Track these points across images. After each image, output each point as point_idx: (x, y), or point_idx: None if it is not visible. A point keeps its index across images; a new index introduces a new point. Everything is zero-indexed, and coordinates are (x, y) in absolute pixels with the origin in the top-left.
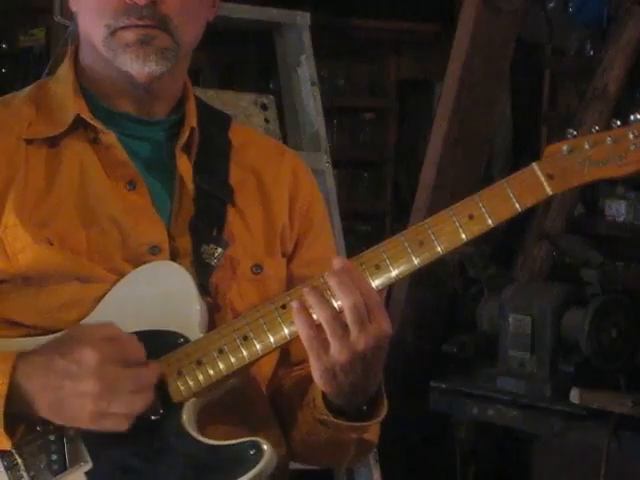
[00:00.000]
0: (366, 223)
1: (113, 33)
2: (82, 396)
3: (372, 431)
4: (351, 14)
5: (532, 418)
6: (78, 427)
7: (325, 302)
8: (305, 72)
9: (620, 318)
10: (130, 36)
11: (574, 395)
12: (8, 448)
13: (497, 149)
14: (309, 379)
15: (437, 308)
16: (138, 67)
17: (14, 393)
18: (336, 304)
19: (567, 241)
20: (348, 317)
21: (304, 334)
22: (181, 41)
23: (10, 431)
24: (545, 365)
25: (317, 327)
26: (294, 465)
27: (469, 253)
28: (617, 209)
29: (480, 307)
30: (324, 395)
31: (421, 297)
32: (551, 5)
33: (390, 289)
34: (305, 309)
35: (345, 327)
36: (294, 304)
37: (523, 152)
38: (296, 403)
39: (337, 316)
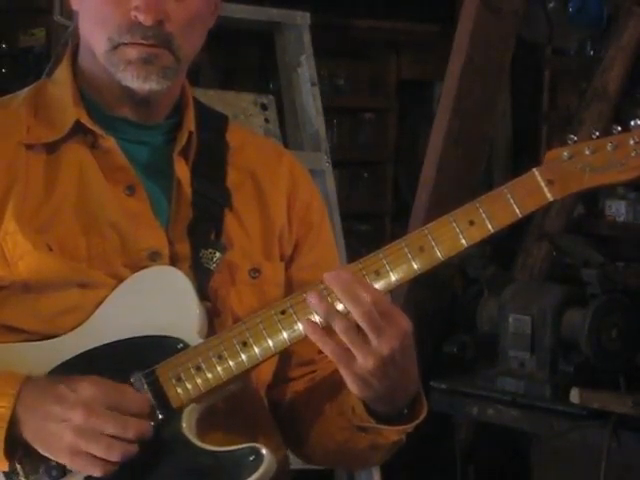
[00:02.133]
0: (366, 223)
1: (115, 48)
2: (65, 424)
3: None
4: (351, 14)
5: (532, 418)
6: (54, 457)
7: (335, 313)
8: (305, 72)
9: (620, 318)
10: (133, 54)
11: (574, 395)
12: (5, 470)
13: (497, 149)
14: (328, 384)
15: (437, 308)
16: (139, 84)
17: (15, 417)
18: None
19: (567, 241)
20: (363, 326)
21: (328, 350)
22: (183, 58)
23: (9, 455)
24: (545, 365)
25: (338, 340)
26: (294, 465)
27: (469, 253)
28: (617, 209)
29: (480, 307)
30: (366, 404)
31: (421, 297)
32: (551, 5)
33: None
34: (317, 325)
35: (363, 335)
36: (308, 328)
37: (523, 152)
38: (326, 412)
39: (352, 326)
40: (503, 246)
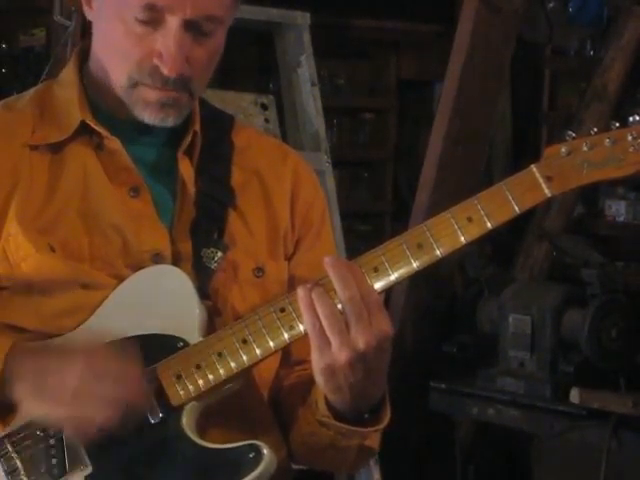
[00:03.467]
0: (366, 223)
1: (134, 86)
2: (66, 373)
3: (373, 438)
4: (351, 14)
5: (532, 418)
6: (56, 412)
7: (326, 297)
8: (305, 72)
9: (620, 318)
10: (152, 96)
11: (574, 395)
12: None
13: (497, 149)
14: (311, 380)
15: (437, 308)
16: (156, 123)
17: (5, 379)
18: (338, 303)
19: (567, 241)
20: (346, 309)
21: (309, 323)
22: (197, 94)
23: (1, 418)
24: (545, 365)
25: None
26: (295, 465)
27: (469, 253)
28: (617, 209)
29: (480, 307)
30: (327, 398)
31: (421, 297)
32: (551, 5)
33: (389, 289)
34: (310, 299)
35: (344, 322)
36: (300, 292)
37: (523, 152)
38: (298, 403)
39: (336, 312)
40: (503, 246)
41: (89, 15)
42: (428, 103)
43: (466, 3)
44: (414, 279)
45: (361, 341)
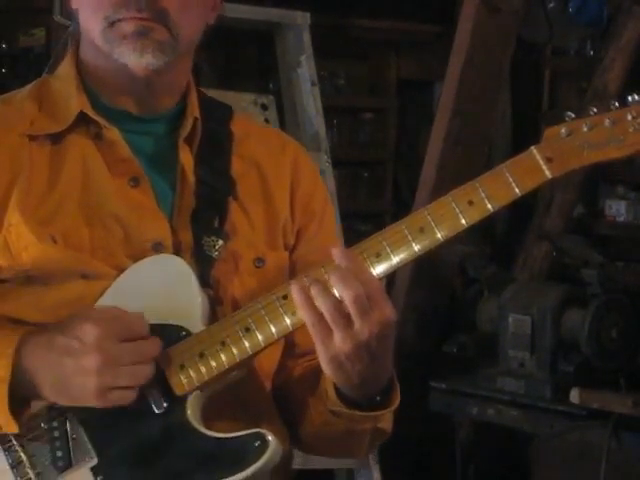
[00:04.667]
0: (366, 223)
1: (111, 25)
2: (85, 372)
3: (386, 420)
4: (351, 14)
5: (532, 418)
6: (84, 404)
7: (326, 292)
8: (305, 72)
9: (620, 318)
10: (128, 28)
11: (574, 395)
12: (16, 431)
13: (497, 149)
14: (318, 371)
15: (437, 308)
16: (135, 59)
17: (18, 376)
18: (337, 294)
19: (567, 241)
20: (350, 309)
21: (308, 320)
22: (179, 36)
23: (17, 415)
24: (545, 365)
25: (321, 314)
26: (294, 465)
27: (469, 253)
28: (617, 209)
29: (480, 307)
30: (336, 386)
31: (421, 297)
32: (551, 5)
33: (390, 289)
34: (307, 295)
35: (348, 317)
36: (294, 289)
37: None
38: (307, 395)
39: (339, 306)
40: (503, 246)
41: (74, 4)
42: (428, 103)
43: (466, 3)
44: (414, 279)
45: (365, 332)
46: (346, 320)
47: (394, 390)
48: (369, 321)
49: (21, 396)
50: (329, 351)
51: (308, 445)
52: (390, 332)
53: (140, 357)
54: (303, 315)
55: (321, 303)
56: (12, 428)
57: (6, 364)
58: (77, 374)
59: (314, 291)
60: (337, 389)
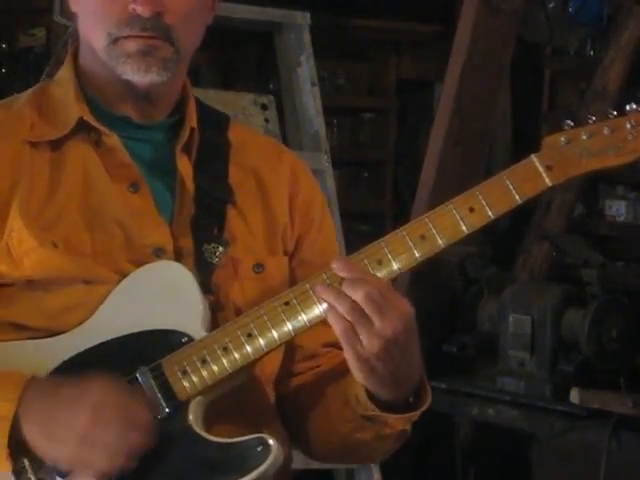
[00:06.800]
0: (366, 223)
1: (115, 42)
2: (70, 429)
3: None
4: (351, 14)
5: (532, 418)
6: (63, 456)
7: (341, 295)
8: (305, 72)
9: (620, 318)
10: (132, 46)
11: (574, 395)
12: (9, 471)
13: (497, 149)
14: (330, 378)
15: (437, 308)
16: (139, 77)
17: (18, 421)
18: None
19: (567, 241)
20: (366, 308)
21: (340, 328)
22: (182, 50)
23: (13, 457)
24: (545, 365)
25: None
26: (294, 465)
27: (469, 254)
28: (617, 209)
29: (480, 307)
30: (368, 392)
31: (421, 297)
32: (551, 5)
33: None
34: (330, 288)
35: (367, 316)
36: (323, 297)
37: (523, 152)
38: (329, 403)
39: (356, 306)
40: (503, 246)
41: (73, 7)
42: (428, 103)
43: (466, 3)
44: (414, 279)
45: (388, 329)
46: (365, 319)
47: (424, 389)
48: (388, 317)
49: (18, 439)
50: (358, 354)
51: (328, 455)
52: (413, 325)
53: (125, 446)
54: (332, 319)
55: (339, 307)
56: (5, 469)
57: (9, 409)
58: (62, 427)
59: (328, 297)
60: (369, 394)
